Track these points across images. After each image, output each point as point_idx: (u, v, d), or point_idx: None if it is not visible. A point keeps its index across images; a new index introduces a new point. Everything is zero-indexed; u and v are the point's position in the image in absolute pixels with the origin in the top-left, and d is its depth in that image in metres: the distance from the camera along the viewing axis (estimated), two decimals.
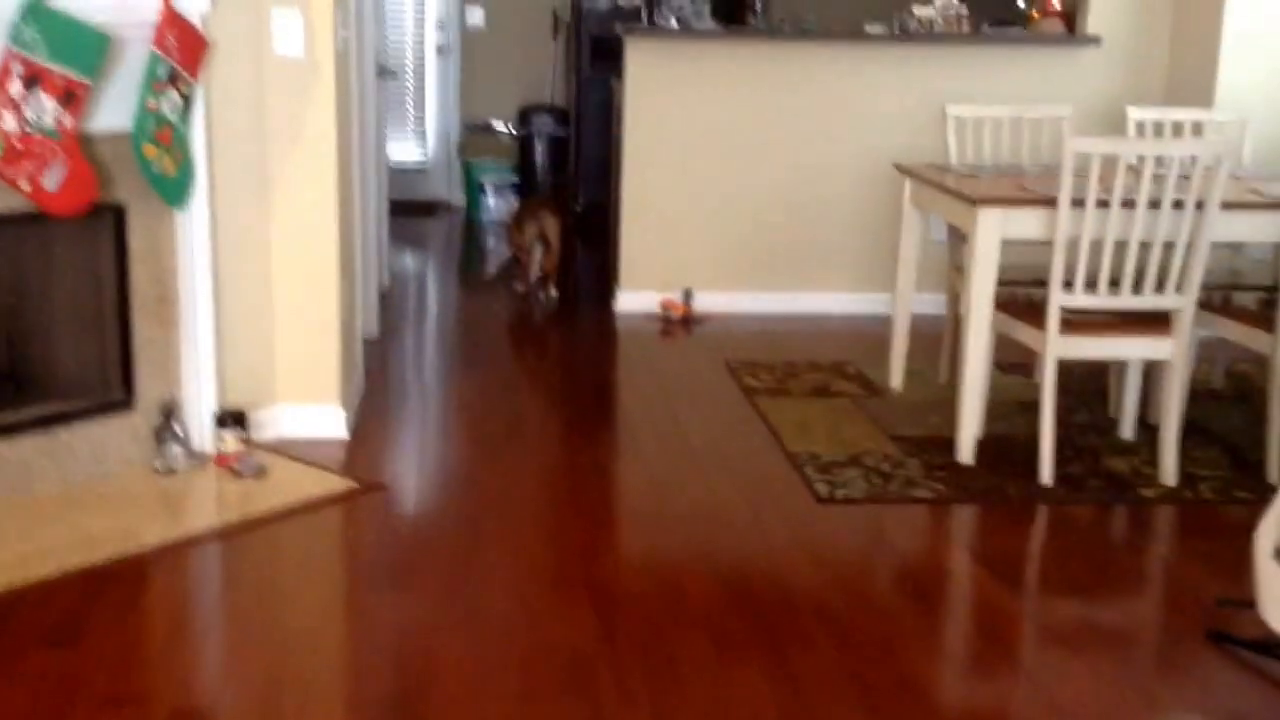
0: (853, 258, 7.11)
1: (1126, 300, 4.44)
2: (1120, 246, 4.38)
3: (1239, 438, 5.04)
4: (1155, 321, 4.54)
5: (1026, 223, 4.51)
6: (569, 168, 9.66)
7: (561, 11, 10.03)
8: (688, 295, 6.95)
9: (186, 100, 4.27)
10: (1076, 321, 4.49)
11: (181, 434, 4.39)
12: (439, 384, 5.68)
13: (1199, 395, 5.33)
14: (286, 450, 4.62)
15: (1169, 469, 4.56)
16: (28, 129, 3.77)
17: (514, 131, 9.98)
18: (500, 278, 7.82)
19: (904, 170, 5.41)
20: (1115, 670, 3.25)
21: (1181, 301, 4.44)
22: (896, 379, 5.63)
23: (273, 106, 4.62)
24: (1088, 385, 5.59)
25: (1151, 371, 5.07)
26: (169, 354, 4.44)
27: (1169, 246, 4.37)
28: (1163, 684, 3.20)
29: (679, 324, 6.80)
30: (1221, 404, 5.49)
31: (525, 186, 9.76)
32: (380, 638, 3.31)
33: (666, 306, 6.94)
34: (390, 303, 7.07)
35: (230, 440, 4.44)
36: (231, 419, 4.46)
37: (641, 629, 3.39)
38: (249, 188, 4.62)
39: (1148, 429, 4.99)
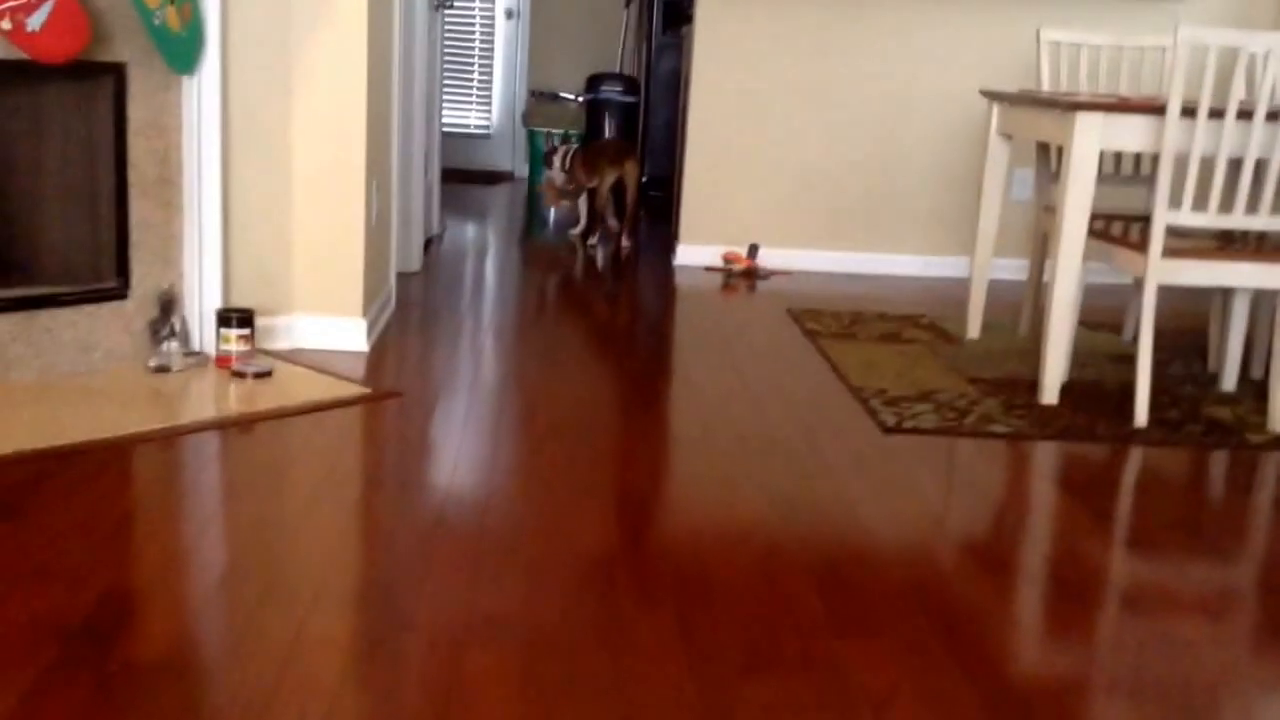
0: (928, 217, 6.63)
1: (1239, 220, 3.94)
2: (1235, 164, 3.91)
3: None
4: (1270, 248, 4.04)
5: (1130, 131, 4.03)
6: (637, 137, 9.28)
7: None
8: (753, 249, 6.49)
9: None
10: (1180, 248, 4.00)
11: (179, 329, 3.98)
12: (474, 314, 5.20)
13: None
14: (298, 357, 4.21)
15: (1279, 412, 4.04)
16: None
17: (580, 99, 9.61)
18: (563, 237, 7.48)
19: (991, 95, 4.93)
20: (1218, 628, 2.76)
21: None
22: (974, 329, 5.14)
23: None
24: (1186, 344, 5.09)
25: (1257, 320, 4.57)
26: (169, 241, 4.01)
27: None
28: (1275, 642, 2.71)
29: (741, 277, 6.35)
30: None
31: None
32: (369, 534, 2.87)
33: (729, 259, 6.48)
34: (438, 247, 6.67)
35: (234, 339, 4.01)
36: (237, 318, 4.03)
37: (674, 540, 2.93)
38: (268, 63, 4.20)
39: (1252, 384, 4.50)
